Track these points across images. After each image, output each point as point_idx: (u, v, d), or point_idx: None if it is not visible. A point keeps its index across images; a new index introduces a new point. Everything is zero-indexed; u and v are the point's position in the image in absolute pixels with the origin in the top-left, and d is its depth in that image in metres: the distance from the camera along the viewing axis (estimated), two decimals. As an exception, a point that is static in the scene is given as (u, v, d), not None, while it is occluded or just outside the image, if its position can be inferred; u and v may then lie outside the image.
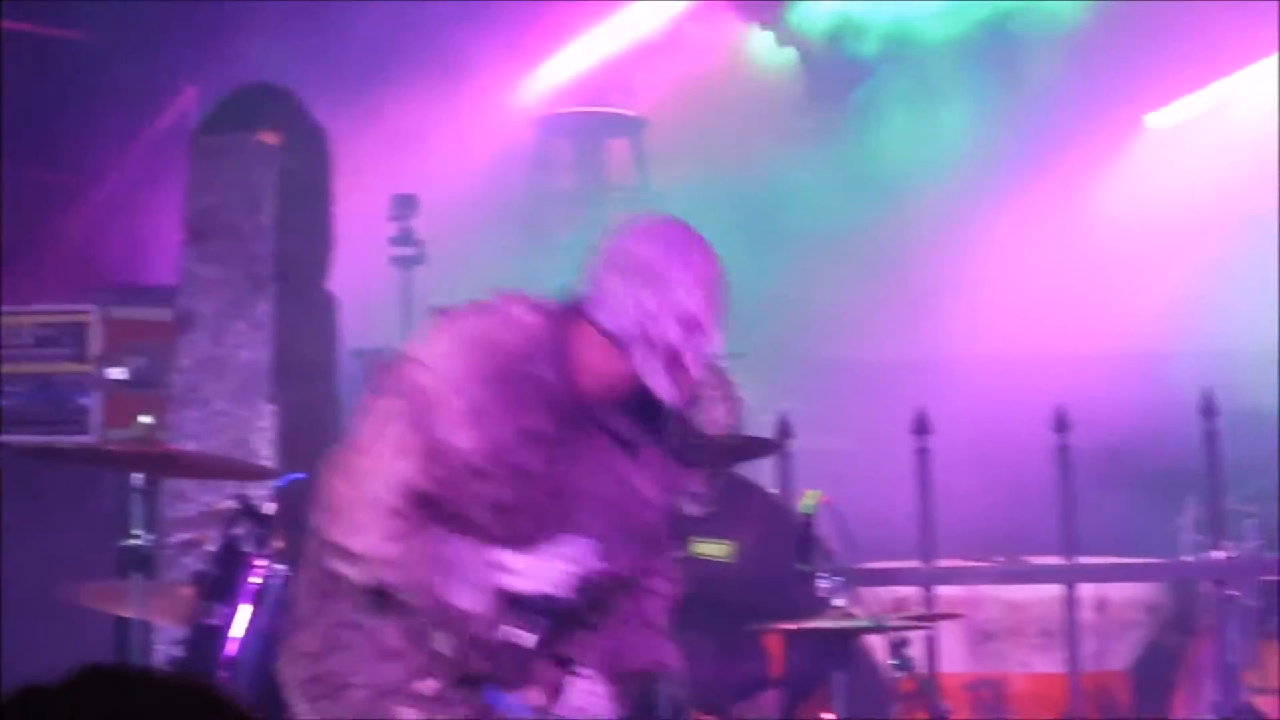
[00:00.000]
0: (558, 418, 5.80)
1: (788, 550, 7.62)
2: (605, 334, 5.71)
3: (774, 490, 8.78)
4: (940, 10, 11.47)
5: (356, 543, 5.69)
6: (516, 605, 5.69)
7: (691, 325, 5.57)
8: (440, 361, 5.79)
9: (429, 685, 5.99)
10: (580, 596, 5.73)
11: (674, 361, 5.62)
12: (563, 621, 5.83)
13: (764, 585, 8.09)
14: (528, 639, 5.65)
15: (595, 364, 5.81)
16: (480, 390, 5.73)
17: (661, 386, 5.64)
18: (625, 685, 6.09)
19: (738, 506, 8.28)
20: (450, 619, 5.78)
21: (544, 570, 5.75)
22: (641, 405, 5.87)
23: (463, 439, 5.69)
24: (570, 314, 5.82)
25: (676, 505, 6.30)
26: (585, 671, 5.91)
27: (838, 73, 11.62)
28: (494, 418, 5.73)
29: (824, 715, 7.68)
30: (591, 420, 5.88)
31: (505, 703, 5.86)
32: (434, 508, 5.71)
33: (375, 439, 5.75)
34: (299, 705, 6.32)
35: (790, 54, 11.63)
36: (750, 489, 8.54)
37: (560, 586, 5.70)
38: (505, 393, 5.74)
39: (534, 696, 5.90)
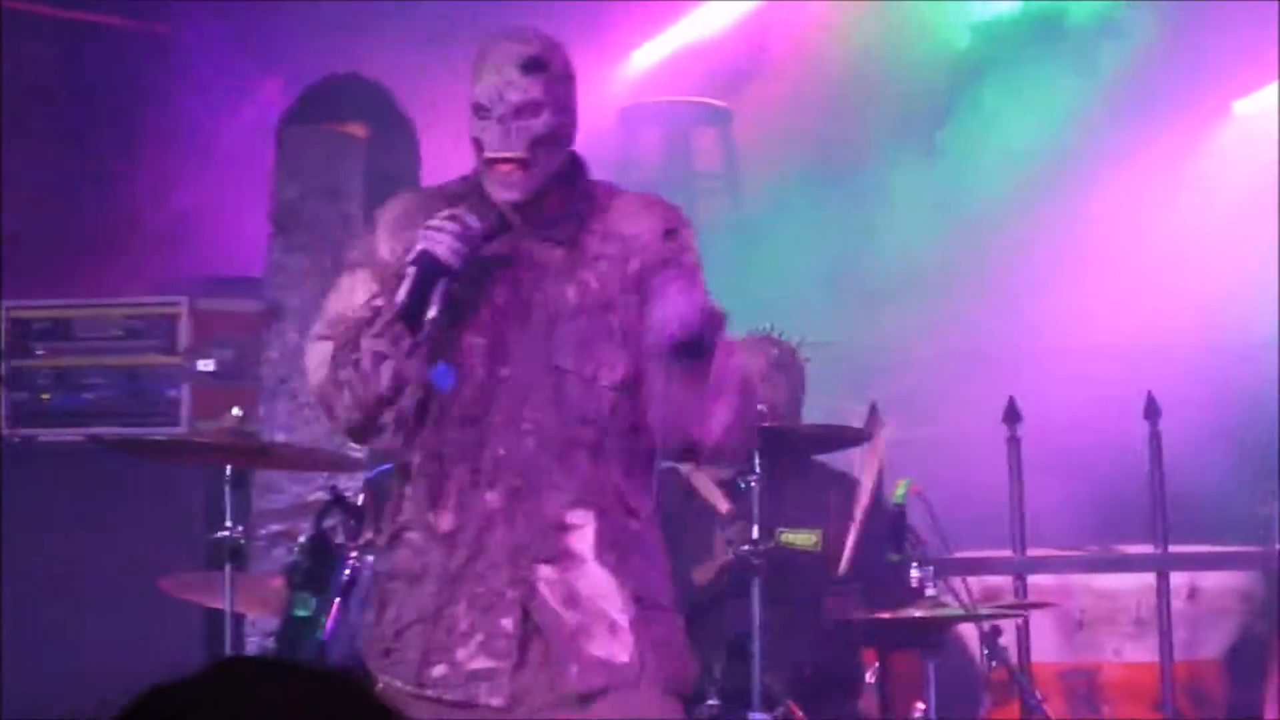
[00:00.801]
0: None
1: (880, 540, 7.70)
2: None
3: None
4: (1026, 6, 11.45)
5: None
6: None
7: (478, 110, 5.62)
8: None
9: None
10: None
11: (478, 153, 5.68)
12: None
13: (856, 576, 8.04)
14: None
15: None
16: (397, 210, 5.89)
17: (490, 185, 5.67)
18: None
19: (828, 496, 8.18)
20: None
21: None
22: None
23: (384, 251, 5.81)
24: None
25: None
26: None
27: (931, 64, 11.37)
28: (407, 228, 5.78)
29: (917, 705, 7.71)
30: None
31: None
32: None
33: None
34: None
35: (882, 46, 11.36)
36: (841, 478, 8.43)
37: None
38: (416, 209, 5.82)
39: None
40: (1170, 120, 10.91)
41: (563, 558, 5.67)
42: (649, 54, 11.35)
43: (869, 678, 8.06)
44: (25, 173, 10.88)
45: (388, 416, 5.80)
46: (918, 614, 7.43)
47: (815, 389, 8.38)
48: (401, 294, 5.52)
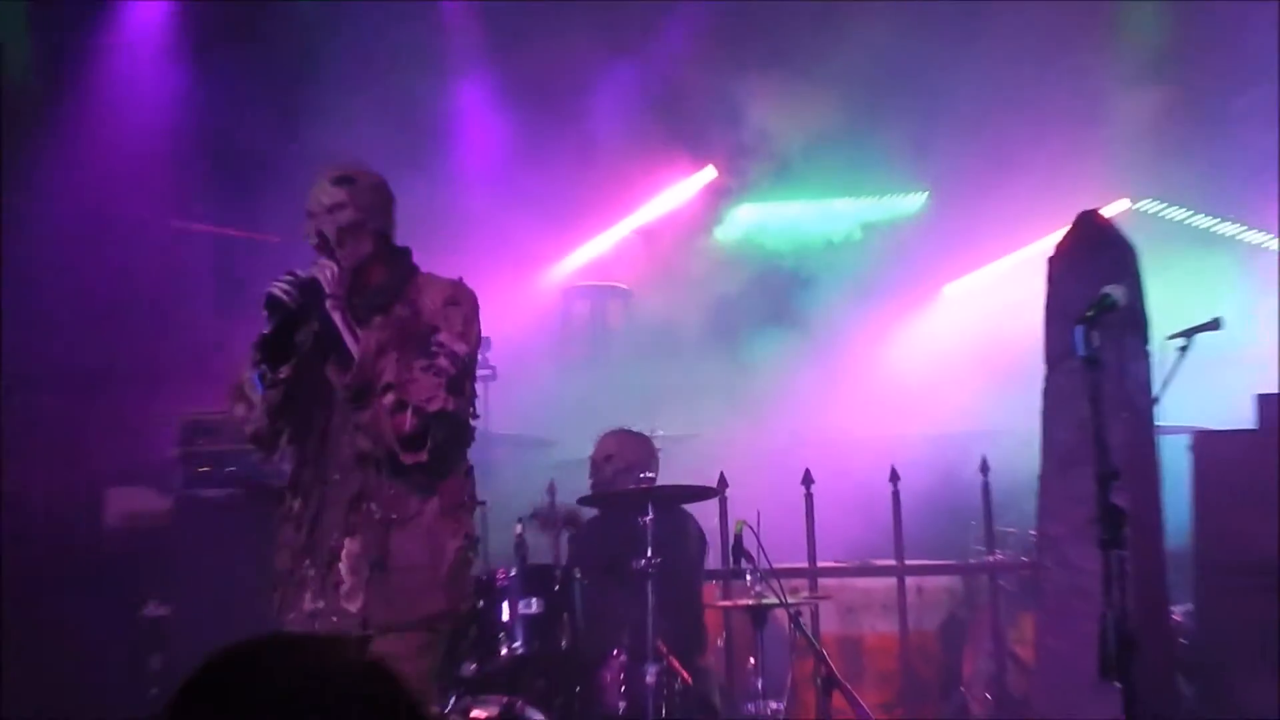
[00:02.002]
0: None
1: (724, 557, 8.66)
2: None
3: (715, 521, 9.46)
4: (822, 213, 12.20)
5: None
6: None
7: (308, 215, 6.35)
8: None
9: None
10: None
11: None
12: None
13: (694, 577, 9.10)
14: None
15: None
16: None
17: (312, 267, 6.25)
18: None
19: (684, 529, 9.13)
20: None
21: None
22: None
23: None
24: None
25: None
26: None
27: (756, 254, 12.31)
28: None
29: (750, 659, 8.60)
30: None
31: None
32: None
33: None
34: None
35: (734, 240, 12.35)
36: (688, 518, 9.21)
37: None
38: None
39: None
40: (906, 297, 12.06)
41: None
42: (580, 255, 12.18)
43: (719, 643, 9.29)
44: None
45: (277, 432, 6.42)
46: (750, 602, 8.30)
47: (684, 463, 9.43)
48: (262, 332, 6.13)
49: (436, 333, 6.39)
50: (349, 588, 6.31)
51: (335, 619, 6.23)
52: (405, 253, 6.57)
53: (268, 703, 2.34)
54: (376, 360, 6.24)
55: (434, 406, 6.27)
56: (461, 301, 6.52)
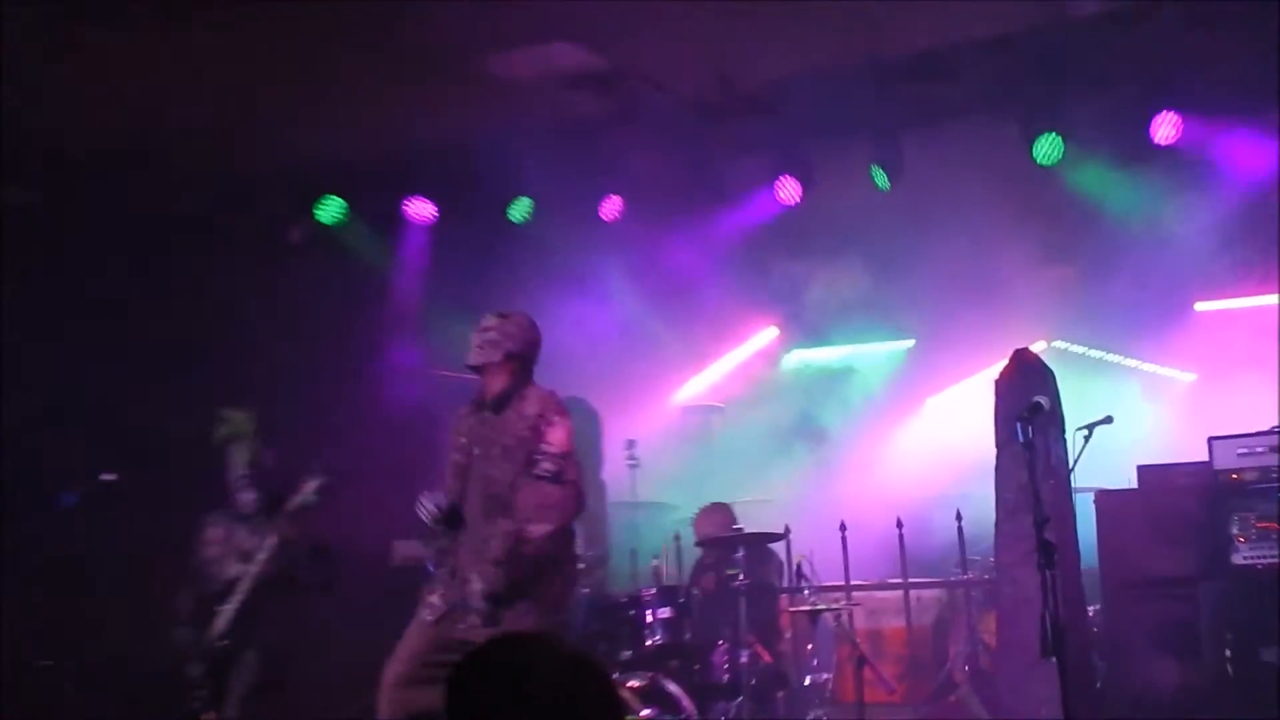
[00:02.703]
0: None
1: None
2: None
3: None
4: (846, 355, 11.56)
5: None
6: None
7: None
8: None
9: None
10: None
11: None
12: None
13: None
14: None
15: None
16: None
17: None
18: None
19: (766, 560, 8.92)
20: None
21: None
22: None
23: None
24: None
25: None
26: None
27: (802, 383, 11.67)
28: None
29: (808, 646, 8.90)
30: None
31: None
32: None
33: None
34: None
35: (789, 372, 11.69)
36: (771, 553, 9.00)
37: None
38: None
39: None
40: (905, 406, 11.27)
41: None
42: (692, 385, 11.59)
43: (788, 635, 9.02)
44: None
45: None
46: (808, 608, 8.16)
47: (762, 519, 8.97)
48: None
49: (538, 434, 6.04)
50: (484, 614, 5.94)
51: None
52: (527, 372, 6.21)
53: (517, 679, 2.27)
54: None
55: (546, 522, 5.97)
56: (549, 415, 6.12)
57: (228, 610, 6.76)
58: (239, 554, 6.89)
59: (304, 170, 9.85)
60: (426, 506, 5.92)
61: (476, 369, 6.12)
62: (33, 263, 9.19)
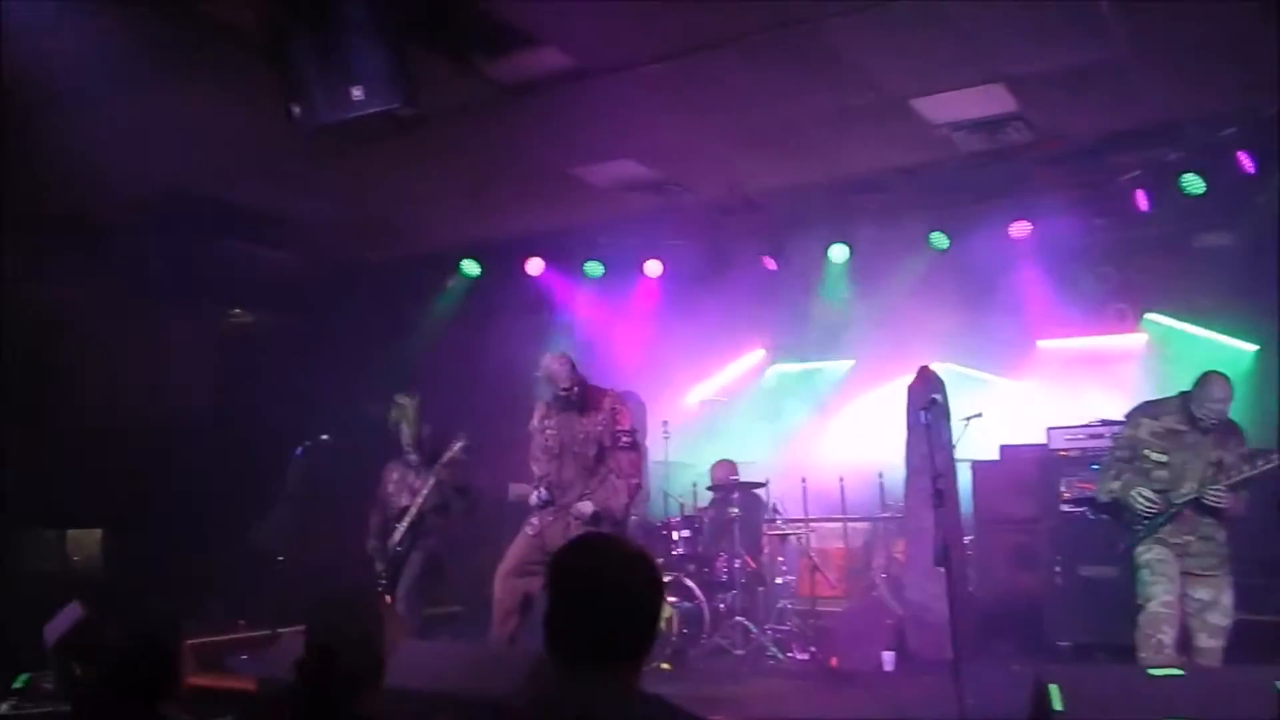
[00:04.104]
0: None
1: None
2: None
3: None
4: (808, 370, 10.99)
5: None
6: None
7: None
8: None
9: None
10: None
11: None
12: None
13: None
14: None
15: None
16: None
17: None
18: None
19: (755, 501, 8.51)
20: None
21: None
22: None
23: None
24: None
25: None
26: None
27: (780, 386, 11.12)
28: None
29: (780, 558, 8.84)
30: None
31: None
32: None
33: None
34: None
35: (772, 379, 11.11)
36: (757, 497, 8.57)
37: None
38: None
39: None
40: (849, 403, 10.65)
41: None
42: (704, 386, 11.07)
43: (766, 549, 8.54)
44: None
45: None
46: (780, 533, 8.34)
47: (752, 473, 8.77)
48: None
49: (615, 422, 5.98)
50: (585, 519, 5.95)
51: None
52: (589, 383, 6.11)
53: (598, 558, 2.19)
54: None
55: (634, 477, 6.06)
56: (618, 408, 6.09)
57: (401, 528, 6.77)
58: (409, 490, 6.85)
59: (457, 244, 10.01)
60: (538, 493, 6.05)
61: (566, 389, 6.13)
62: (295, 303, 9.42)
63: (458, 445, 6.64)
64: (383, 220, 8.85)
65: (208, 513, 7.98)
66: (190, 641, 5.47)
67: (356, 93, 4.89)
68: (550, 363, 6.05)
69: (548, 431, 6.06)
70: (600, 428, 5.94)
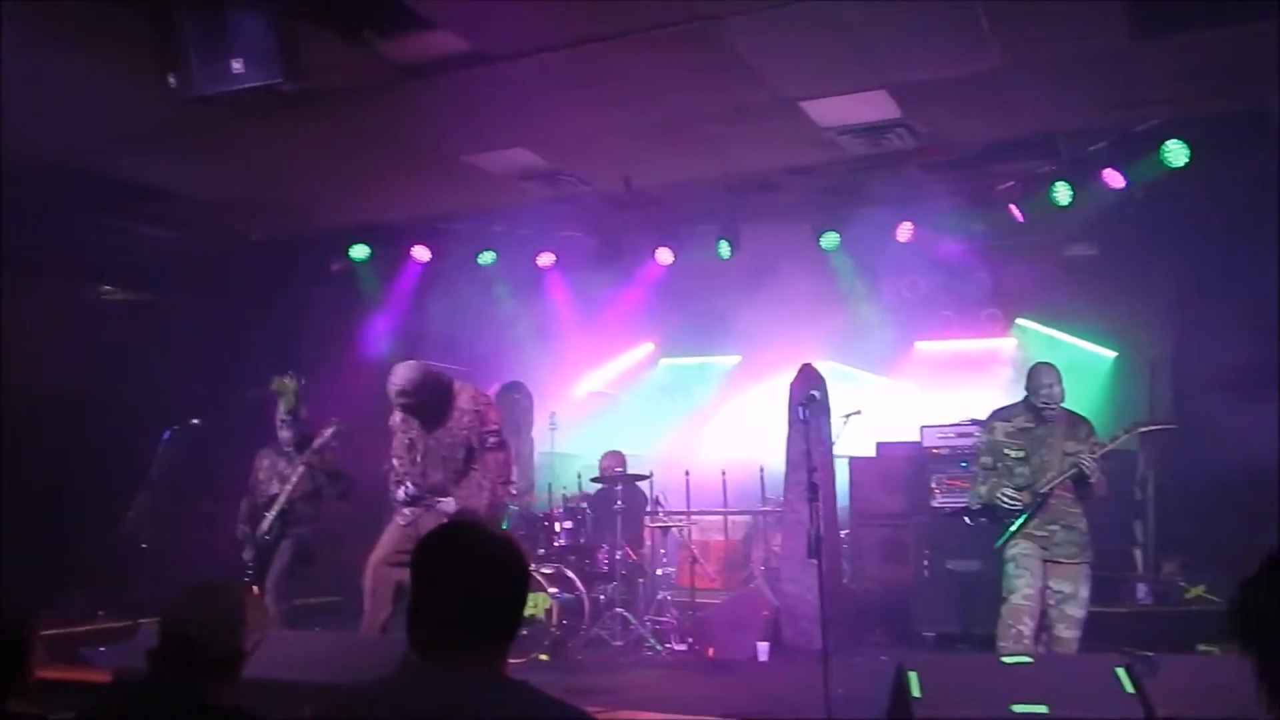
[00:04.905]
0: None
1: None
2: None
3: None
4: (698, 364, 11.05)
5: None
6: None
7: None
8: None
9: None
10: None
11: None
12: None
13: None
14: None
15: None
16: None
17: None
18: None
19: (638, 493, 8.58)
20: None
21: None
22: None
23: None
24: None
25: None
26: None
27: (666, 379, 11.16)
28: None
29: (661, 550, 8.85)
30: None
31: None
32: None
33: None
34: None
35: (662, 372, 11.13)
36: (637, 489, 8.60)
37: None
38: None
39: None
40: (733, 398, 10.79)
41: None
42: (593, 376, 11.12)
43: (649, 542, 8.75)
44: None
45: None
46: (662, 525, 8.39)
47: (637, 465, 8.72)
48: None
49: (482, 422, 5.87)
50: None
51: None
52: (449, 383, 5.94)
53: (467, 544, 2.10)
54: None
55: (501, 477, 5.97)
56: (486, 399, 6.01)
57: (270, 515, 6.67)
58: (279, 476, 6.74)
59: (345, 228, 9.72)
60: (404, 489, 5.92)
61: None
62: (171, 282, 9.02)
63: (329, 431, 6.51)
64: (268, 199, 8.54)
65: (73, 498, 7.77)
66: (45, 633, 5.29)
67: (237, 65, 4.76)
68: (394, 372, 5.95)
69: (410, 434, 6.04)
70: (465, 431, 5.90)
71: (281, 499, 6.60)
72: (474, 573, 2.02)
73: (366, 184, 8.31)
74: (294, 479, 6.59)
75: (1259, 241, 7.00)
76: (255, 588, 6.46)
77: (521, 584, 2.09)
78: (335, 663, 4.00)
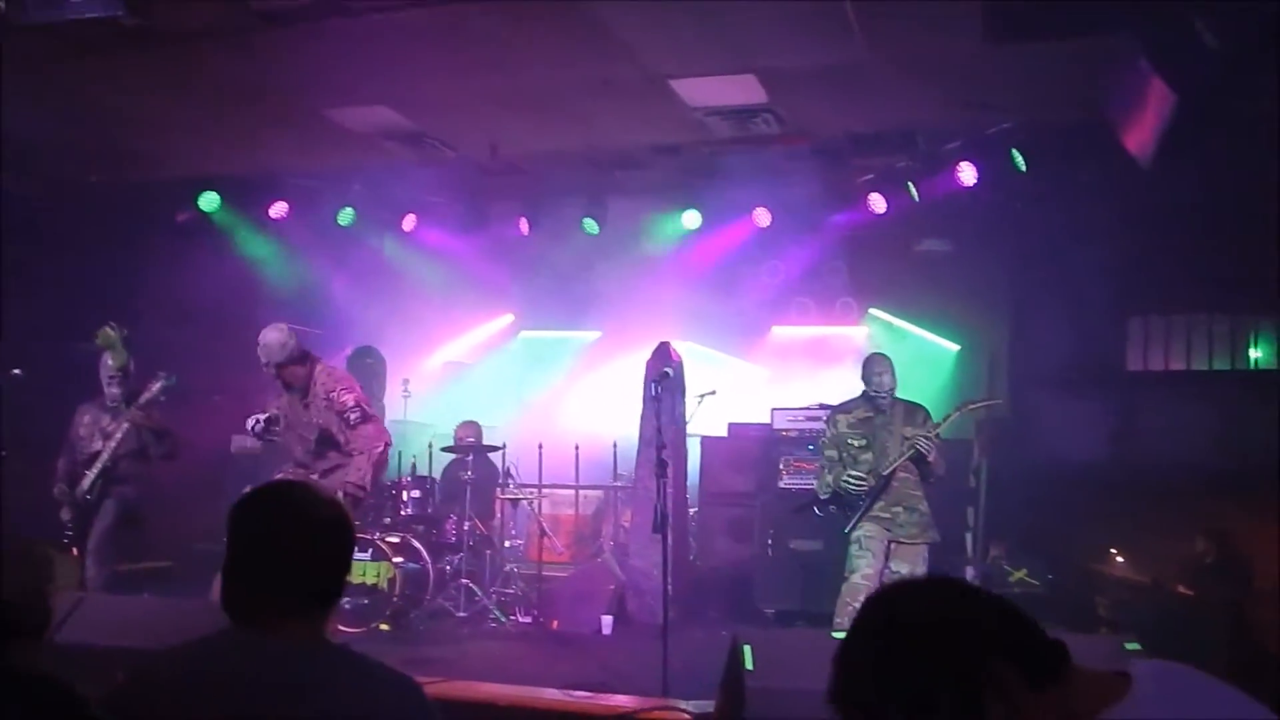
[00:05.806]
0: None
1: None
2: None
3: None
4: (556, 338, 11.05)
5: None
6: None
7: None
8: None
9: None
10: None
11: None
12: None
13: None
14: None
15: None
16: None
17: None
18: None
19: (490, 465, 8.49)
20: None
21: None
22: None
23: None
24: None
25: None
26: None
27: (527, 352, 11.10)
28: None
29: (510, 523, 8.98)
30: None
31: None
32: None
33: None
34: None
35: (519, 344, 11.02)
36: (490, 462, 8.54)
37: None
38: None
39: None
40: (594, 371, 10.86)
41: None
42: (453, 346, 11.00)
43: (500, 514, 8.59)
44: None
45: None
46: (513, 497, 8.20)
47: (492, 437, 8.70)
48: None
49: (335, 405, 5.88)
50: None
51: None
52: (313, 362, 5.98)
53: (281, 509, 2.04)
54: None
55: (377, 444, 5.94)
56: (339, 379, 6.01)
57: (92, 474, 6.36)
58: (102, 433, 6.44)
59: (194, 177, 9.30)
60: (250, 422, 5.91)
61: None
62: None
63: (157, 385, 6.24)
64: (109, 143, 8.09)
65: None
66: None
67: (75, -7, 4.33)
68: (262, 335, 5.87)
69: (279, 402, 6.05)
70: (319, 419, 5.88)
71: (104, 456, 6.30)
72: (293, 534, 1.95)
73: (220, 132, 7.94)
74: (118, 435, 6.30)
75: (1093, 246, 7.32)
76: (75, 550, 6.18)
77: (345, 547, 2.03)
78: (156, 628, 3.81)
